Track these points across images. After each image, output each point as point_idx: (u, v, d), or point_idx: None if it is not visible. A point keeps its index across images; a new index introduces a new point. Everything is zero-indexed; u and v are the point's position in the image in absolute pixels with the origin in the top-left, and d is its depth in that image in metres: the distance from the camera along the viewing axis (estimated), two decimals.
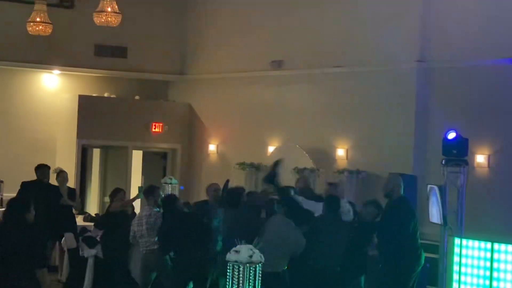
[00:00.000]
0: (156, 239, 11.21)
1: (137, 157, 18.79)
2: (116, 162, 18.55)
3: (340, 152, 15.78)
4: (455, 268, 10.18)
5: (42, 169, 13.78)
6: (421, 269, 10.81)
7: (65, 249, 13.43)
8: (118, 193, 12.59)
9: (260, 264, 6.93)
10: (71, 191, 14.32)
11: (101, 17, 13.15)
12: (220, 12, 18.43)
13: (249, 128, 17.52)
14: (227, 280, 6.96)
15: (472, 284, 9.83)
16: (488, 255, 9.66)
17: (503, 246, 9.60)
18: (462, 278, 9.98)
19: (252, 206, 11.28)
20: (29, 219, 8.46)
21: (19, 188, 13.46)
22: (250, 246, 7.09)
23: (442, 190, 11.17)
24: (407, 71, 14.75)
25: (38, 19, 14.88)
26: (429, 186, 11.77)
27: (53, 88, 18.22)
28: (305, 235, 10.10)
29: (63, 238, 13.33)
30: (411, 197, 12.51)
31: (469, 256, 9.90)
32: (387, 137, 14.89)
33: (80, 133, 17.46)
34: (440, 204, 11.16)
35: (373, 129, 15.19)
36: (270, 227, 9.89)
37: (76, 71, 18.22)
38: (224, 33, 18.24)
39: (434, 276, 11.42)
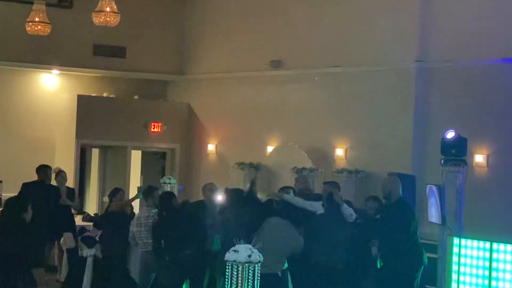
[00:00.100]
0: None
1: (136, 157, 18.79)
2: (115, 162, 18.55)
3: (339, 152, 15.79)
4: (454, 267, 10.18)
5: (44, 170, 13.73)
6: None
7: (64, 248, 13.43)
8: (117, 193, 12.58)
9: (259, 264, 6.92)
10: (70, 191, 14.31)
11: (100, 17, 13.12)
12: (219, 12, 18.44)
13: (248, 128, 17.52)
14: (226, 279, 6.96)
15: (471, 284, 9.84)
16: (487, 254, 9.66)
17: (502, 246, 9.61)
18: (461, 278, 9.98)
19: (252, 206, 11.25)
20: (27, 219, 8.45)
21: (20, 189, 13.39)
22: (249, 245, 7.08)
23: (441, 189, 11.18)
24: (406, 71, 14.75)
25: (37, 19, 14.85)
26: (428, 185, 11.78)
27: (52, 88, 18.22)
28: (306, 234, 10.10)
29: (62, 238, 13.34)
30: (410, 197, 12.51)
31: (468, 256, 9.90)
32: (386, 137, 14.90)
33: (79, 133, 17.46)
34: (439, 203, 11.17)
35: (372, 129, 15.19)
36: (267, 228, 9.88)
37: (75, 71, 18.22)
38: (223, 33, 18.24)
39: (433, 276, 11.43)
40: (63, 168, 14.75)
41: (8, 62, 17.25)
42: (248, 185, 11.97)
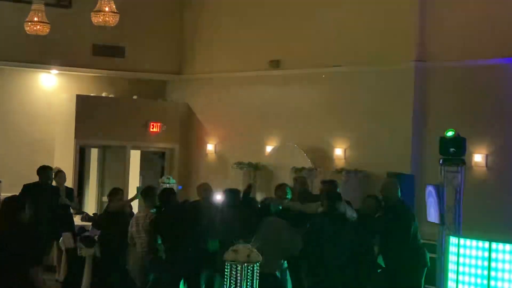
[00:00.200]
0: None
1: (135, 156, 18.79)
2: (114, 161, 18.55)
3: (338, 152, 15.79)
4: (453, 267, 10.17)
5: (44, 171, 13.67)
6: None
7: (63, 248, 13.44)
8: (117, 193, 12.57)
9: (258, 264, 6.93)
10: (69, 191, 14.30)
11: (99, 16, 13.12)
12: (217, 12, 18.43)
13: (247, 127, 17.52)
14: (225, 279, 6.97)
15: (470, 284, 9.81)
16: (486, 254, 9.64)
17: (501, 246, 9.59)
18: (460, 278, 9.97)
19: (249, 206, 11.27)
20: (24, 219, 8.44)
21: (20, 190, 13.34)
22: (248, 245, 7.09)
23: (439, 189, 11.17)
24: (405, 70, 14.75)
25: (35, 19, 14.85)
26: (427, 185, 11.77)
27: (51, 88, 18.22)
28: (307, 233, 10.11)
29: (61, 238, 13.34)
30: (409, 197, 12.51)
31: (467, 256, 9.88)
32: (385, 137, 14.90)
33: (78, 133, 17.46)
34: (437, 203, 11.17)
35: (371, 129, 15.19)
36: (264, 228, 9.88)
37: (74, 71, 18.22)
38: (222, 33, 18.24)
39: (431, 276, 11.42)
40: (62, 168, 14.76)
41: (7, 62, 17.25)
42: (244, 189, 11.94)
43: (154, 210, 11.52)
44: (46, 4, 15.23)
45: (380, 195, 10.96)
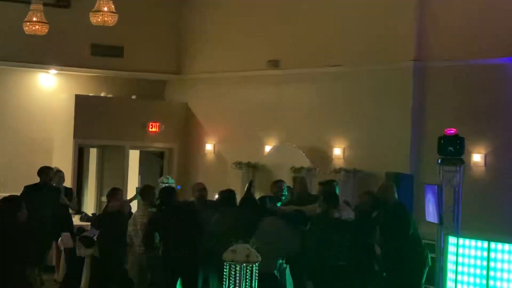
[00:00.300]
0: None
1: (134, 156, 18.79)
2: (113, 161, 18.54)
3: (337, 152, 15.79)
4: (452, 267, 10.17)
5: (45, 172, 13.65)
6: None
7: (62, 248, 13.44)
8: (116, 193, 12.56)
9: (257, 264, 6.93)
10: (68, 191, 14.30)
11: (98, 16, 13.11)
12: (216, 11, 18.43)
13: (246, 127, 17.52)
14: (224, 279, 6.97)
15: (468, 283, 9.82)
16: (485, 254, 9.65)
17: (499, 245, 9.59)
18: (459, 277, 9.97)
19: (249, 203, 11.27)
20: (21, 219, 8.44)
21: (21, 191, 13.30)
22: (247, 245, 7.10)
23: (438, 189, 11.18)
24: (404, 70, 14.75)
25: (34, 19, 14.84)
26: (425, 185, 11.77)
27: (50, 88, 18.21)
28: (306, 233, 10.11)
29: (60, 238, 13.34)
30: (407, 197, 12.54)
31: (466, 255, 9.89)
32: (384, 136, 14.90)
33: (77, 133, 17.45)
34: (436, 203, 11.17)
35: (370, 128, 15.19)
36: (262, 227, 9.89)
37: (73, 71, 18.21)
38: (220, 32, 18.24)
39: (430, 275, 11.43)
40: (61, 168, 14.75)
41: (6, 62, 17.24)
42: (246, 186, 11.99)
43: (153, 209, 11.52)
44: (45, 4, 15.21)
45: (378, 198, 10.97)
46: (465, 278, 9.81)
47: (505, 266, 9.48)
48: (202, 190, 12.09)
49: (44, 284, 13.13)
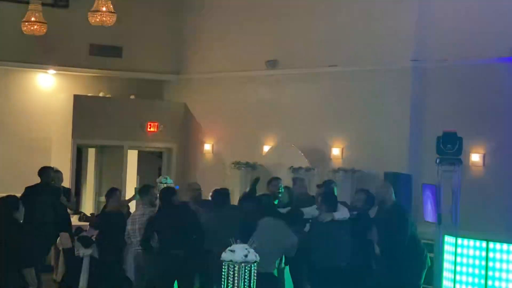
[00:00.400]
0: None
1: (132, 156, 18.77)
2: (111, 161, 18.53)
3: (336, 151, 15.80)
4: (451, 267, 10.19)
5: (46, 172, 13.63)
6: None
7: (60, 248, 13.43)
8: (114, 193, 12.56)
9: (255, 264, 6.92)
10: (66, 191, 14.29)
11: (96, 16, 13.12)
12: (215, 12, 18.42)
13: (245, 127, 17.52)
14: (222, 279, 6.96)
15: (467, 283, 9.85)
16: (484, 254, 9.67)
17: (498, 245, 9.62)
18: (457, 277, 9.99)
19: (245, 205, 11.27)
20: (18, 218, 8.43)
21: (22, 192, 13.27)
22: (245, 245, 7.08)
23: (436, 189, 11.19)
24: (402, 70, 14.76)
25: (33, 19, 14.86)
26: (423, 185, 11.78)
27: (48, 88, 18.20)
28: (305, 235, 10.11)
29: (58, 238, 13.33)
30: (406, 197, 12.54)
31: (464, 255, 9.91)
32: (382, 136, 14.91)
33: (75, 133, 17.44)
34: (434, 203, 11.18)
35: (368, 128, 15.20)
36: (260, 228, 9.89)
37: (71, 71, 18.20)
38: (219, 32, 18.24)
39: (429, 275, 11.44)
40: (59, 168, 14.73)
41: (4, 62, 17.22)
42: (251, 183, 11.94)
43: (153, 208, 11.51)
44: (43, 4, 15.23)
45: (376, 199, 10.96)
46: (464, 278, 9.83)
47: (504, 266, 9.51)
48: (196, 190, 12.08)
49: (42, 284, 13.12)
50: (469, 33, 14.00)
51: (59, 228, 13.28)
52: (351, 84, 15.59)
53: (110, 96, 18.62)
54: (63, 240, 13.15)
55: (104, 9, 13.09)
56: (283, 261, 10.36)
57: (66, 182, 15.49)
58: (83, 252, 11.82)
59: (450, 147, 11.10)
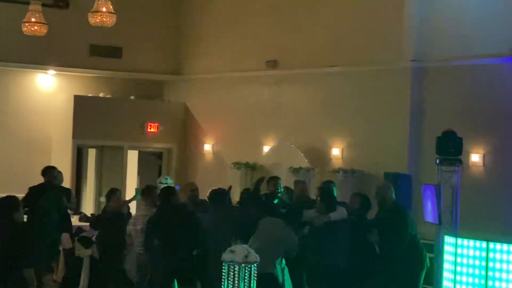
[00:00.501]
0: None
1: (132, 157, 18.79)
2: (111, 162, 18.54)
3: (335, 152, 15.80)
4: (451, 267, 10.18)
5: (49, 171, 13.62)
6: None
7: (61, 249, 13.42)
8: (115, 193, 12.54)
9: (255, 264, 6.93)
10: (66, 191, 14.28)
11: (96, 17, 13.11)
12: (215, 12, 18.44)
13: (244, 127, 17.53)
14: (222, 280, 6.97)
15: (467, 284, 9.83)
16: (484, 254, 9.66)
17: (498, 245, 9.61)
18: (458, 278, 9.99)
19: (236, 207, 11.28)
20: (17, 219, 8.43)
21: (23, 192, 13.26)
22: (246, 246, 7.09)
23: (437, 189, 11.18)
24: (403, 70, 14.76)
25: (33, 20, 14.84)
26: (423, 185, 11.77)
27: (49, 88, 18.21)
28: (305, 236, 10.11)
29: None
30: (406, 197, 12.52)
31: (464, 255, 9.90)
32: (382, 136, 14.91)
33: (76, 133, 17.45)
34: (435, 203, 11.17)
35: (368, 129, 15.20)
36: (261, 228, 9.90)
37: (71, 71, 18.22)
38: (219, 33, 18.25)
39: (429, 275, 11.44)
40: (60, 168, 14.69)
41: (5, 62, 17.25)
42: (255, 182, 11.90)
43: (154, 209, 11.50)
44: (44, 5, 15.22)
45: (376, 199, 10.97)
46: (464, 279, 9.82)
47: (504, 266, 9.49)
48: (193, 190, 12.08)
49: (43, 285, 13.12)
50: (468, 33, 14.01)
51: (60, 229, 13.27)
52: (350, 85, 15.59)
53: (110, 96, 18.62)
54: (63, 240, 13.14)
55: (104, 9, 13.08)
56: (283, 261, 10.36)
57: (67, 183, 15.48)
58: (84, 252, 11.83)
59: (450, 147, 11.10)
